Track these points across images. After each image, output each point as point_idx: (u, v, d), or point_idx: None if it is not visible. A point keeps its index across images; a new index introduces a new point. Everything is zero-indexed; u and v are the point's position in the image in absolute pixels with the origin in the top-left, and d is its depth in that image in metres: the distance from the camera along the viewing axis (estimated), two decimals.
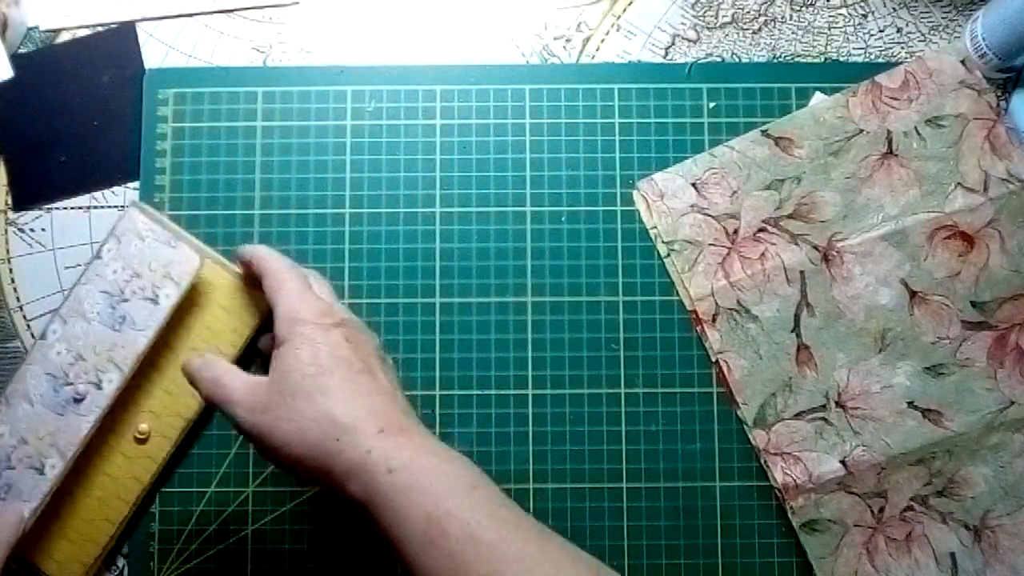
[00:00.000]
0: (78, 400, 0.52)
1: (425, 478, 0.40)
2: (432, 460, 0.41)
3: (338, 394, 0.42)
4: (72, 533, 0.53)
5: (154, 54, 0.59)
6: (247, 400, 0.44)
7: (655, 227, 0.57)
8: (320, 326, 0.44)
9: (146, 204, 0.55)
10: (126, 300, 0.53)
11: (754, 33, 0.59)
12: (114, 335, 0.53)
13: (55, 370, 0.52)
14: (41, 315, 0.57)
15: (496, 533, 0.39)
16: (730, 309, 0.55)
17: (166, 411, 0.54)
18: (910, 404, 0.54)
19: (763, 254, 0.56)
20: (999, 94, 0.57)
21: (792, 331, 0.55)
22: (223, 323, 0.54)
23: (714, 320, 0.55)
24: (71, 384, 0.52)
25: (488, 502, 0.41)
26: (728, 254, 0.56)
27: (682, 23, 0.59)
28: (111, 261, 0.53)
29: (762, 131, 0.57)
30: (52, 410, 0.52)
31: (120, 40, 0.59)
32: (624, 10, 0.60)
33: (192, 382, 0.46)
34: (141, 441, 0.54)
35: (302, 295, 0.46)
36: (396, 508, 0.40)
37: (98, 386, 0.52)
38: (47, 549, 0.53)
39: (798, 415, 0.54)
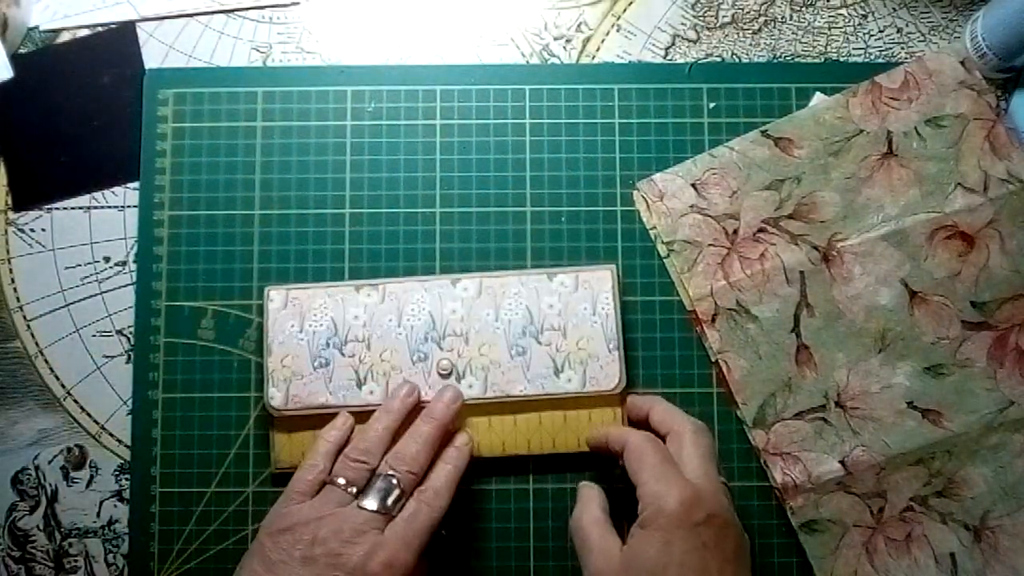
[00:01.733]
0: (442, 375, 0.53)
1: None
2: None
3: None
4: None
5: (154, 54, 0.59)
6: (596, 563, 0.45)
7: (655, 227, 0.57)
8: (681, 525, 0.44)
9: (617, 279, 0.54)
10: (536, 339, 0.53)
11: (754, 33, 0.59)
12: (505, 354, 0.53)
13: (440, 322, 0.53)
14: (41, 315, 0.57)
15: None
16: (730, 309, 0.55)
17: (483, 436, 0.54)
18: (910, 404, 0.54)
19: (763, 254, 0.56)
20: (999, 94, 0.57)
21: (792, 331, 0.55)
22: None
23: (713, 320, 0.55)
24: (444, 350, 0.53)
25: None
26: (728, 254, 0.56)
27: (682, 23, 0.59)
28: (555, 292, 0.53)
29: (762, 131, 0.57)
30: (411, 347, 0.53)
31: (120, 40, 0.59)
32: (624, 10, 0.60)
33: (578, 496, 0.50)
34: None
35: (667, 477, 0.45)
36: None
37: (459, 379, 0.53)
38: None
39: (798, 415, 0.54)
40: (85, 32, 0.59)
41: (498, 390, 0.53)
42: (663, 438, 0.49)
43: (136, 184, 0.58)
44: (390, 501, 0.47)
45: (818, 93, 0.57)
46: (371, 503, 0.47)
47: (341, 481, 0.48)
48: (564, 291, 0.54)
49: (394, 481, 0.48)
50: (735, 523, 0.46)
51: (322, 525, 0.46)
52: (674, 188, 0.57)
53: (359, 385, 0.53)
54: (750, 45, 0.59)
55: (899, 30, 0.59)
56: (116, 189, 0.58)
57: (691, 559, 0.43)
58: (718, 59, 0.59)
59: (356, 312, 0.54)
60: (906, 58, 0.58)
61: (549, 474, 0.55)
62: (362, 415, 0.53)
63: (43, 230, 0.57)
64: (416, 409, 0.52)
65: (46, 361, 0.57)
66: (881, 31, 0.59)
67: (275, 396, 0.53)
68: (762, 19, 0.59)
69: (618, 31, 0.59)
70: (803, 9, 0.59)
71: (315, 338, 0.53)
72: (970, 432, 0.54)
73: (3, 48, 0.58)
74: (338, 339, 0.53)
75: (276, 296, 0.54)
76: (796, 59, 0.59)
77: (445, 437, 0.51)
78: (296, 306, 0.54)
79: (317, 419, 0.53)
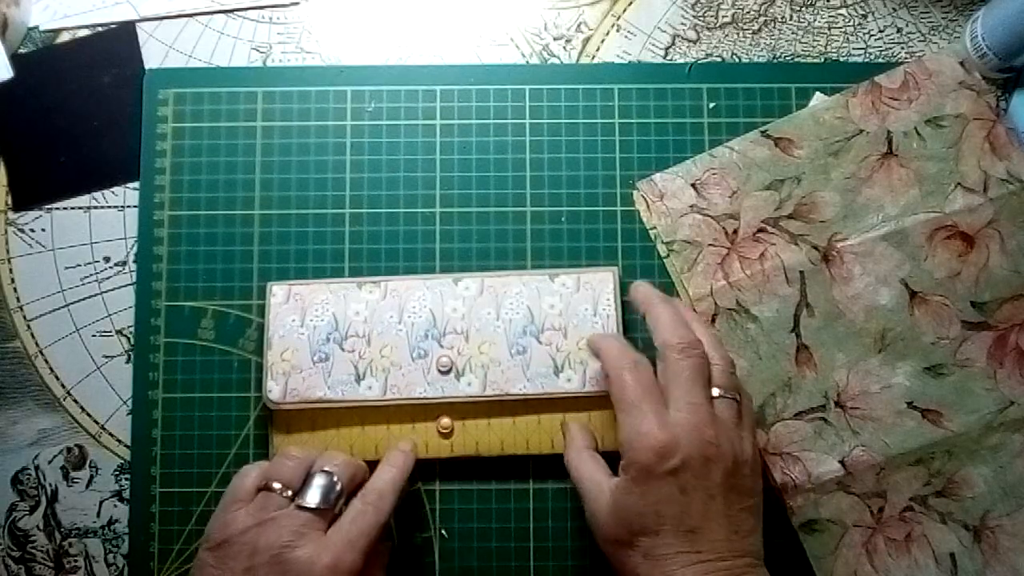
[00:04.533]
0: (441, 371, 0.52)
1: None
2: None
3: (656, 562, 0.43)
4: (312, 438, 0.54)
5: (154, 54, 0.59)
6: (589, 508, 0.47)
7: (655, 227, 0.57)
8: (653, 475, 0.44)
9: (617, 280, 0.54)
10: (536, 339, 0.53)
11: (754, 33, 0.59)
12: (505, 352, 0.53)
13: (441, 319, 0.53)
14: (41, 315, 0.57)
15: None
16: (729, 309, 0.55)
17: (482, 436, 0.54)
18: (909, 404, 0.54)
19: (763, 254, 0.56)
20: (999, 94, 0.57)
21: (791, 331, 0.55)
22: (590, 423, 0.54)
23: (713, 320, 0.55)
24: (444, 347, 0.53)
25: None
26: (727, 254, 0.56)
27: (682, 23, 0.59)
28: (556, 293, 0.54)
29: (762, 131, 0.57)
30: (411, 343, 0.53)
31: (120, 40, 0.59)
32: (624, 10, 0.60)
33: (564, 435, 0.52)
34: (444, 435, 0.53)
35: (642, 419, 0.45)
36: None
37: (459, 376, 0.52)
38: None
39: (797, 415, 0.54)
40: (85, 32, 0.59)
41: (497, 388, 0.53)
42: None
43: (136, 184, 0.58)
44: (331, 496, 0.46)
45: (818, 93, 0.57)
46: (312, 499, 0.46)
47: (276, 485, 0.46)
48: (565, 292, 0.54)
49: (333, 478, 0.47)
50: (720, 453, 0.44)
51: (261, 533, 0.45)
52: (674, 188, 0.57)
53: (358, 380, 0.53)
54: (750, 45, 0.59)
55: (899, 30, 0.59)
56: (116, 189, 0.58)
57: (667, 507, 0.43)
58: (718, 59, 0.59)
59: (357, 308, 0.54)
60: (906, 58, 0.58)
61: (549, 474, 0.55)
62: (361, 411, 0.53)
63: (43, 230, 0.57)
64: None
65: (46, 361, 0.57)
66: (881, 31, 0.59)
67: (273, 389, 0.53)
68: (762, 19, 0.59)
69: (618, 31, 0.59)
70: (803, 9, 0.59)
71: (316, 333, 0.53)
72: (970, 432, 0.54)
73: (3, 48, 0.58)
74: (339, 334, 0.53)
75: (278, 291, 0.54)
76: (796, 59, 0.59)
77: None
78: (298, 301, 0.54)
79: (315, 414, 0.53)
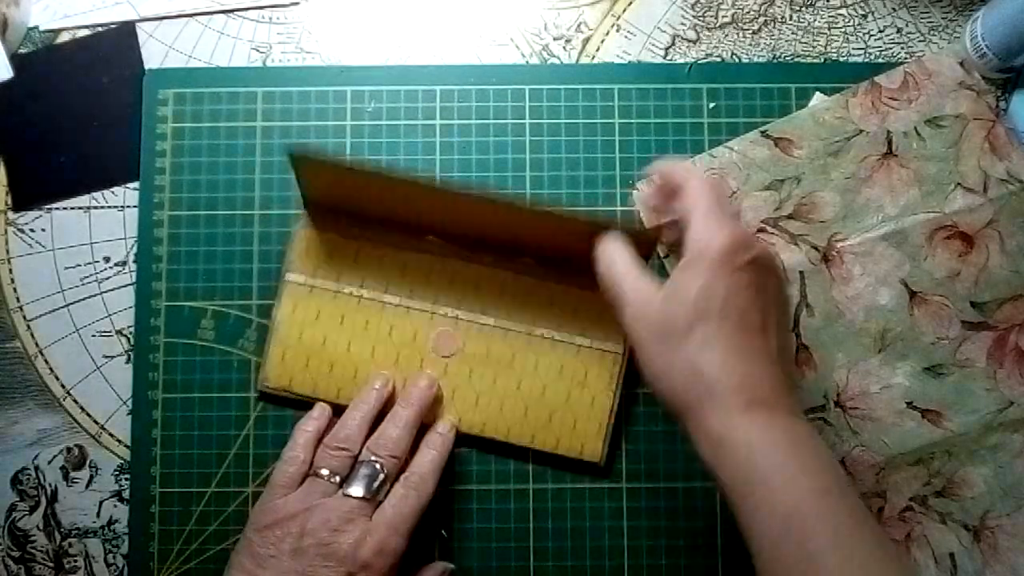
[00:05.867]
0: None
1: (779, 474, 0.39)
2: (791, 451, 0.40)
3: (717, 350, 0.41)
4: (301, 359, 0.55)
5: (154, 54, 0.59)
6: (634, 308, 0.44)
7: None
8: (725, 265, 0.42)
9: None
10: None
11: (754, 33, 0.59)
12: None
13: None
14: (41, 315, 0.57)
15: (840, 554, 0.38)
16: None
17: (472, 413, 0.54)
18: (909, 404, 0.54)
19: None
20: (999, 95, 0.57)
21: (791, 331, 0.55)
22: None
23: None
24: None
25: (837, 513, 0.39)
26: None
27: (682, 23, 0.59)
28: None
29: (762, 132, 0.57)
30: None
31: (120, 40, 0.59)
32: (624, 10, 0.60)
33: (598, 254, 0.47)
34: (444, 357, 0.54)
35: (718, 221, 0.43)
36: (748, 495, 0.40)
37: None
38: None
39: None
40: (85, 32, 0.59)
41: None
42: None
43: (136, 184, 0.58)
44: (375, 486, 0.48)
45: (818, 93, 0.57)
46: (357, 490, 0.48)
47: (324, 472, 0.48)
48: None
49: (377, 467, 0.48)
50: (778, 270, 0.45)
51: (309, 516, 0.47)
52: None
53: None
54: (750, 45, 0.59)
55: (899, 30, 0.59)
56: (116, 189, 0.58)
57: (736, 298, 0.42)
58: (718, 59, 0.59)
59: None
60: (906, 58, 0.58)
61: (549, 474, 0.55)
62: (366, 310, 0.54)
63: (43, 230, 0.57)
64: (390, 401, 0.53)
65: (46, 361, 0.57)
66: (881, 31, 0.59)
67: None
68: (762, 19, 0.59)
69: (618, 31, 0.59)
70: (803, 9, 0.59)
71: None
72: (970, 432, 0.54)
73: (3, 48, 0.58)
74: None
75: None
76: (796, 59, 0.59)
77: (429, 419, 0.52)
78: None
79: (317, 339, 0.54)
